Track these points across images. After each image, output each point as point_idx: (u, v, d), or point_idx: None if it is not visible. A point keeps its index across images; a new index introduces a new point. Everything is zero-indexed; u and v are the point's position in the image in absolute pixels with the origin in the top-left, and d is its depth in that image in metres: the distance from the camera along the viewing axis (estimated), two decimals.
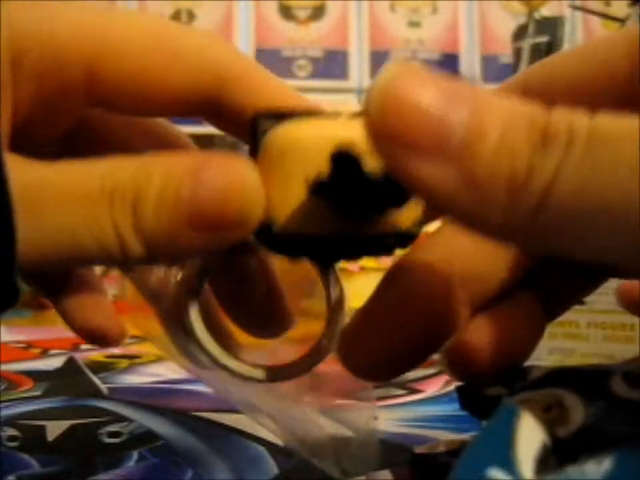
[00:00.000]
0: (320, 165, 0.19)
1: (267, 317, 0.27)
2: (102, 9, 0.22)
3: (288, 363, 0.23)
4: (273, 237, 0.19)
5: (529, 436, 0.16)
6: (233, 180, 0.18)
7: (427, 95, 0.15)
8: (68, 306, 0.33)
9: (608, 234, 0.15)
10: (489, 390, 0.21)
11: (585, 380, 0.18)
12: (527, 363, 0.22)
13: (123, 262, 0.19)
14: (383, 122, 0.15)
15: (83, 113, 0.24)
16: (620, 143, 0.14)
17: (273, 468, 0.29)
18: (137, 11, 0.24)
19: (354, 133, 0.18)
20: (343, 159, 0.18)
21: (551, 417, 0.17)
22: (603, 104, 0.20)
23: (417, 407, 0.39)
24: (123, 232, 0.18)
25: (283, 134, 0.19)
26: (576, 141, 0.15)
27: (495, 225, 0.15)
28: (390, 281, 0.22)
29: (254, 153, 0.20)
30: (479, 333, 0.22)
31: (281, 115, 0.20)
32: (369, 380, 0.23)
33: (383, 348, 0.22)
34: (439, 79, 0.16)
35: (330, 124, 0.19)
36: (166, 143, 0.26)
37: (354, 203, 0.19)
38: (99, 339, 0.33)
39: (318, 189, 0.19)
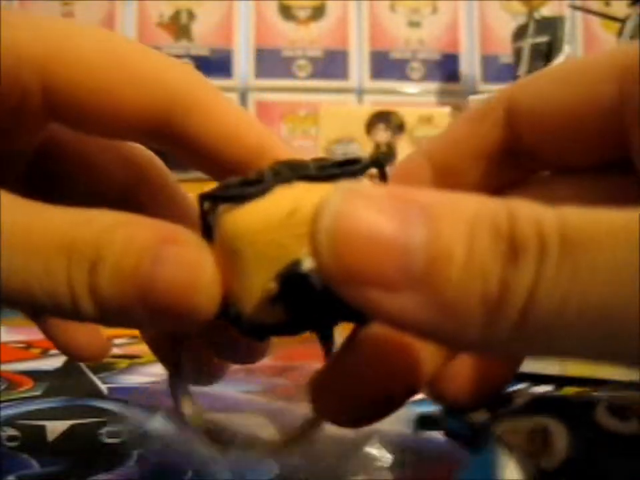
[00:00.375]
0: (276, 259, 0.18)
1: (247, 351, 0.29)
2: (64, 20, 0.22)
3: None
4: (239, 321, 0.19)
5: (514, 472, 0.16)
6: (188, 277, 0.18)
7: (376, 221, 0.14)
8: (50, 326, 0.33)
9: (599, 339, 0.13)
10: (473, 416, 0.20)
11: (570, 409, 0.18)
12: (524, 368, 0.22)
13: (75, 319, 0.19)
14: (335, 262, 0.14)
15: (45, 129, 0.24)
16: (594, 246, 0.13)
17: (273, 468, 0.29)
18: (100, 28, 0.24)
19: (309, 211, 0.16)
20: (291, 280, 0.18)
21: (535, 446, 0.17)
22: (588, 128, 0.20)
23: (417, 407, 0.39)
24: (77, 290, 0.18)
25: (233, 228, 0.18)
26: (548, 249, 0.13)
27: (473, 344, 0.14)
28: (352, 339, 0.21)
29: (206, 234, 0.19)
30: (456, 366, 0.22)
31: (228, 197, 0.18)
32: (339, 425, 0.22)
33: (348, 400, 0.22)
34: (386, 196, 0.14)
35: (282, 204, 0.18)
36: (138, 169, 0.26)
37: (310, 315, 0.19)
38: (81, 357, 0.34)
39: (273, 298, 0.18)
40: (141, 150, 0.26)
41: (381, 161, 0.19)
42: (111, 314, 0.18)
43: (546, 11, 1.26)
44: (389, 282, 0.14)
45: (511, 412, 0.19)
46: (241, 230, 0.18)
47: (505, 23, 1.27)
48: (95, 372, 0.47)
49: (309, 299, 0.18)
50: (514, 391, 0.20)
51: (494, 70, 1.29)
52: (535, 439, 0.17)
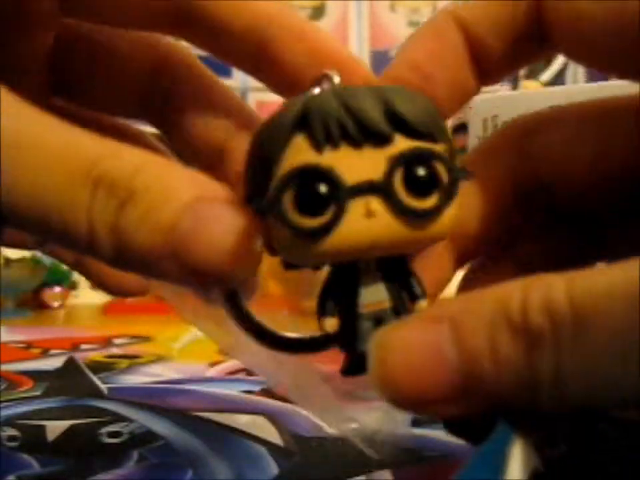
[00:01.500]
0: None
1: None
2: None
3: None
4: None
5: (522, 462, 0.16)
6: (230, 242, 0.17)
7: (412, 355, 0.16)
8: (83, 260, 0.32)
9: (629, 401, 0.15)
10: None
11: None
12: None
13: (86, 253, 0.17)
14: (386, 394, 0.17)
15: (59, 25, 0.23)
16: (599, 313, 0.14)
17: (273, 468, 0.29)
18: None
19: None
20: None
21: (539, 436, 0.17)
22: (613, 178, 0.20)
23: None
24: (97, 226, 0.17)
25: None
26: (563, 333, 0.14)
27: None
28: None
29: None
30: None
31: None
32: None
33: None
34: (416, 322, 0.16)
35: None
36: (162, 54, 0.25)
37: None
38: (121, 292, 0.33)
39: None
40: (163, 37, 0.25)
41: (456, 180, 0.18)
42: (130, 261, 0.17)
43: None
44: (433, 400, 0.16)
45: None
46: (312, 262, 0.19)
47: None
48: (95, 372, 0.47)
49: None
50: None
51: None
52: (536, 432, 0.17)
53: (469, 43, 0.20)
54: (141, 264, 0.17)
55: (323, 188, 0.17)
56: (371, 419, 0.36)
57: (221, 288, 0.19)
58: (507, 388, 0.15)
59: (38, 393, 0.42)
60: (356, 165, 0.17)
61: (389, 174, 0.17)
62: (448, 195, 0.17)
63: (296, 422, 0.36)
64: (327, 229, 0.17)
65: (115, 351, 0.58)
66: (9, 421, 0.35)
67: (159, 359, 0.54)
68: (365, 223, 0.17)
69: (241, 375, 0.48)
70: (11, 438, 0.33)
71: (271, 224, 0.17)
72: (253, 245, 0.17)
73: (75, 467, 0.30)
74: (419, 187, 0.17)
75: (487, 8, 0.21)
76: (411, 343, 0.16)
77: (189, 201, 0.17)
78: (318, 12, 1.29)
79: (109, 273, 0.32)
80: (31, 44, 0.22)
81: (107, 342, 0.62)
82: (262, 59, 0.22)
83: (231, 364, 0.52)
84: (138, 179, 0.17)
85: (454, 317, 0.15)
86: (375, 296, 0.18)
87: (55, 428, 0.34)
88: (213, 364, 0.51)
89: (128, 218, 0.17)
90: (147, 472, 0.29)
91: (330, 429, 0.34)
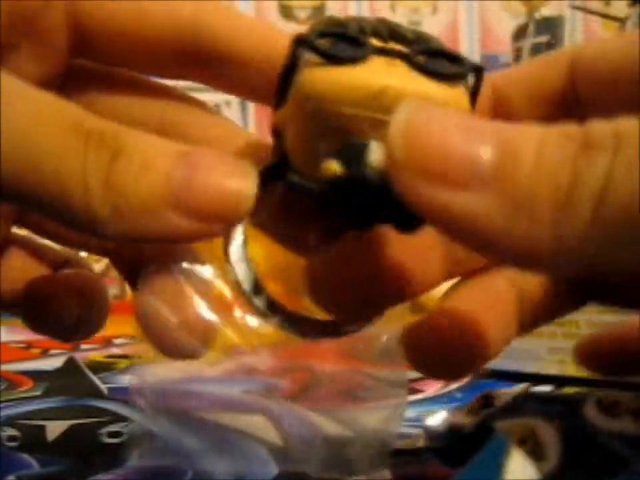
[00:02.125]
0: (345, 135, 0.17)
1: None
2: None
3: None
4: (292, 184, 0.18)
5: (519, 472, 0.16)
6: (229, 181, 0.17)
7: (451, 125, 0.15)
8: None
9: None
10: (452, 420, 0.20)
11: (558, 406, 0.17)
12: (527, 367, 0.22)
13: (83, 220, 0.17)
14: (407, 157, 0.15)
15: (68, 64, 0.23)
16: None
17: (273, 468, 0.29)
18: None
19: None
20: (351, 159, 0.17)
21: (526, 450, 0.16)
22: None
23: (417, 407, 0.39)
24: (91, 181, 0.17)
25: (316, 87, 0.17)
26: (624, 141, 0.14)
27: (542, 252, 0.14)
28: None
29: (284, 81, 0.19)
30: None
31: (323, 52, 0.17)
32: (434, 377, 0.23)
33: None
34: (457, 112, 0.16)
35: (374, 80, 0.17)
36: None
37: (357, 208, 0.18)
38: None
39: (328, 175, 0.18)
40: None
41: (481, 69, 0.19)
42: (128, 219, 0.17)
43: (546, 11, 1.26)
44: (458, 180, 0.14)
45: (496, 414, 0.18)
46: (322, 92, 0.17)
47: (505, 23, 1.27)
48: (95, 372, 0.47)
49: (363, 190, 0.17)
50: (490, 392, 0.19)
51: (494, 70, 1.29)
52: (525, 444, 0.16)
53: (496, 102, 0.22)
54: (139, 221, 0.17)
55: (351, 40, 0.18)
56: (371, 419, 0.36)
57: (226, 233, 0.19)
58: (534, 193, 0.14)
59: (38, 393, 0.42)
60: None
61: (414, 53, 0.18)
62: (465, 73, 0.18)
63: (296, 422, 0.35)
64: (353, 59, 0.17)
65: (114, 350, 0.58)
66: (9, 421, 0.35)
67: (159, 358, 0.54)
68: (386, 67, 0.17)
69: (241, 375, 0.48)
70: (11, 438, 0.33)
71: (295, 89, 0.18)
72: (250, 183, 0.18)
73: (75, 467, 0.30)
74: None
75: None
76: (448, 127, 0.15)
77: (177, 152, 0.17)
78: (318, 12, 1.29)
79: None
80: (41, 62, 0.22)
81: (107, 342, 0.62)
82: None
83: (231, 364, 0.52)
84: (124, 134, 0.17)
85: (495, 125, 0.15)
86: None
87: (54, 428, 0.34)
88: (212, 364, 0.51)
89: (121, 171, 0.17)
90: (146, 472, 0.29)
91: (330, 429, 0.34)
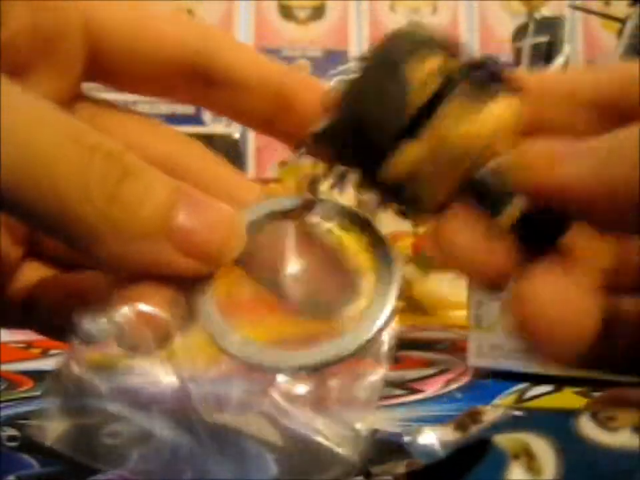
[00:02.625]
0: (470, 162, 0.19)
1: None
2: None
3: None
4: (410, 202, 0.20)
5: None
6: (224, 227, 0.18)
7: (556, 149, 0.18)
8: None
9: None
10: (443, 436, 0.19)
11: (551, 421, 0.17)
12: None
13: (79, 233, 0.17)
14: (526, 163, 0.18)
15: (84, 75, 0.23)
16: None
17: (273, 468, 0.29)
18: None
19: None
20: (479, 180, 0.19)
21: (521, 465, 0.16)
22: None
23: (417, 407, 0.39)
24: (94, 194, 0.17)
25: (467, 128, 0.19)
26: None
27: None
28: None
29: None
30: None
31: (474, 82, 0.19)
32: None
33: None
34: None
35: (503, 115, 0.19)
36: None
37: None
38: None
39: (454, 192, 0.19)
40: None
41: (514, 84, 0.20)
42: (127, 237, 0.17)
43: (546, 11, 1.26)
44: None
45: (484, 430, 0.17)
46: (474, 132, 0.19)
47: (505, 23, 1.27)
48: (95, 372, 0.47)
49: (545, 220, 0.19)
50: (477, 408, 0.19)
51: None
52: (518, 459, 0.16)
53: None
54: (136, 245, 0.17)
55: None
56: (371, 419, 0.36)
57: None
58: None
59: (38, 393, 0.42)
60: None
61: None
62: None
63: (296, 422, 0.35)
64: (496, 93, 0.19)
65: (115, 350, 0.58)
66: (9, 421, 0.35)
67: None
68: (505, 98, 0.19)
69: (241, 375, 0.48)
70: (11, 438, 0.33)
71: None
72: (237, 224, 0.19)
73: (75, 466, 0.30)
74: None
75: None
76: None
77: (178, 186, 0.18)
78: (318, 12, 1.29)
79: None
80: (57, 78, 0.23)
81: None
82: (278, 110, 0.23)
83: (231, 364, 0.52)
84: (130, 157, 0.17)
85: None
86: None
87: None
88: (213, 364, 0.51)
89: (129, 190, 0.17)
90: (146, 472, 0.29)
91: (330, 429, 0.34)
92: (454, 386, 0.44)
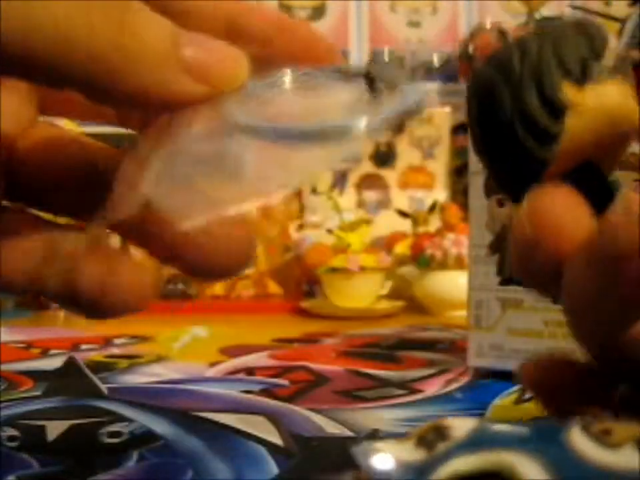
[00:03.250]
0: None
1: None
2: None
3: None
4: None
5: None
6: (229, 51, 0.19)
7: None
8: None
9: None
10: (402, 450, 0.15)
11: (536, 436, 0.14)
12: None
13: (92, 72, 0.18)
14: None
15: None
16: None
17: (273, 468, 0.29)
18: None
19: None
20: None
21: None
22: None
23: (417, 407, 0.39)
24: (97, 22, 0.17)
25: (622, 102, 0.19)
26: None
27: None
28: None
29: None
30: None
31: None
32: None
33: None
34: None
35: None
36: None
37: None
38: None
39: None
40: None
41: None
42: (142, 62, 0.18)
43: (546, 11, 1.26)
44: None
45: (457, 447, 0.14)
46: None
47: (505, 23, 1.27)
48: (95, 372, 0.47)
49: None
50: (443, 422, 0.15)
51: None
52: None
53: None
54: (150, 71, 0.18)
55: None
56: (371, 419, 0.36)
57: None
58: None
59: (38, 393, 0.42)
60: None
61: None
62: None
63: (296, 422, 0.36)
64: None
65: (114, 351, 0.58)
66: (9, 421, 0.35)
67: (159, 359, 0.54)
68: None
69: (240, 375, 0.48)
70: (11, 438, 0.33)
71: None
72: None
73: (75, 467, 0.30)
74: None
75: None
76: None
77: (176, 27, 0.18)
78: (318, 12, 1.29)
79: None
80: None
81: (106, 342, 0.62)
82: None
83: (231, 364, 0.52)
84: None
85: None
86: None
87: (54, 428, 0.34)
88: (213, 364, 0.51)
89: (132, 20, 0.17)
90: (146, 472, 0.29)
91: (330, 429, 0.34)
92: (454, 386, 0.44)
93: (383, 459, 0.15)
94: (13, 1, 0.17)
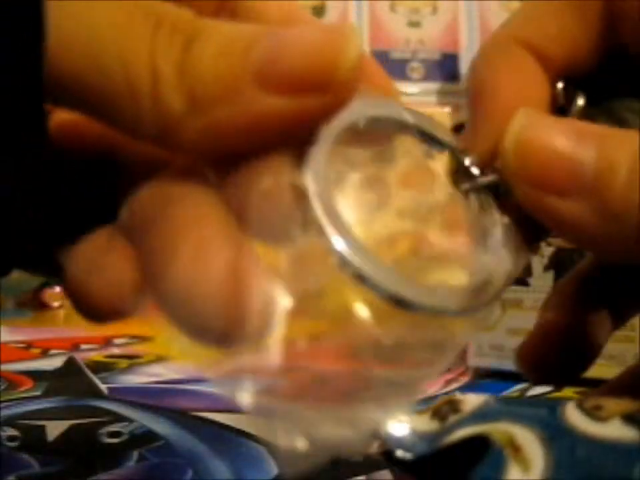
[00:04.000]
0: None
1: None
2: None
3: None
4: None
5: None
6: (327, 40, 0.15)
7: (556, 138, 0.17)
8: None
9: None
10: (419, 425, 0.17)
11: (535, 410, 0.16)
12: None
13: (153, 115, 0.15)
14: (519, 166, 0.17)
15: None
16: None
17: (273, 468, 0.29)
18: None
19: None
20: None
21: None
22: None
23: (417, 407, 0.39)
24: (161, 67, 0.15)
25: None
26: None
27: (629, 249, 0.16)
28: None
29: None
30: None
31: None
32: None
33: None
34: (564, 122, 0.17)
35: None
36: None
37: None
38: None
39: None
40: None
41: None
42: (207, 104, 0.15)
43: None
44: (562, 188, 0.16)
45: (465, 420, 0.16)
46: None
47: None
48: (95, 372, 0.47)
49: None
50: (456, 397, 0.17)
51: None
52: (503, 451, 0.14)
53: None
54: (220, 108, 0.15)
55: None
56: (371, 418, 0.36)
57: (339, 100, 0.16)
58: (625, 205, 0.16)
59: (38, 393, 0.42)
60: None
61: None
62: None
63: (296, 422, 0.35)
64: None
65: (115, 351, 0.58)
66: (9, 421, 0.35)
67: (158, 359, 0.54)
68: None
69: (240, 375, 0.48)
70: (11, 438, 0.33)
71: None
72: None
73: (75, 467, 0.30)
74: None
75: (558, 27, 0.20)
76: (554, 138, 0.16)
77: (258, 28, 0.15)
78: (318, 12, 1.29)
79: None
80: None
81: (106, 342, 0.62)
82: None
83: (231, 364, 0.52)
84: (199, 21, 0.15)
85: (601, 133, 0.17)
86: None
87: (54, 428, 0.34)
88: (212, 364, 0.51)
89: (198, 56, 0.15)
90: (146, 472, 0.29)
91: (330, 429, 0.34)
92: (454, 386, 0.44)
93: (400, 427, 0.17)
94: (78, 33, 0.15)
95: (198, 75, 0.15)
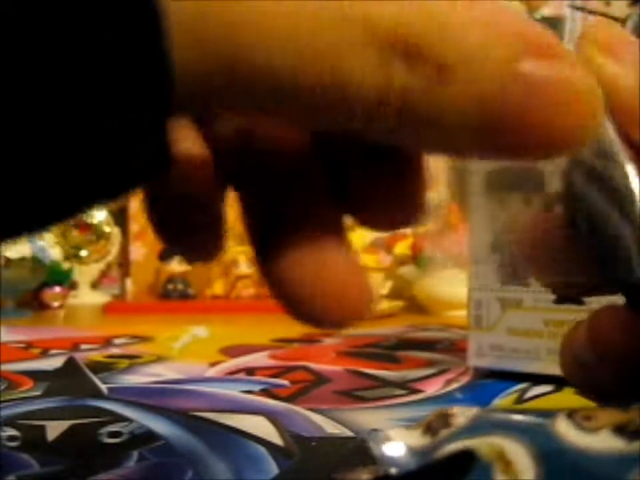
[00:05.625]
0: None
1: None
2: None
3: None
4: None
5: None
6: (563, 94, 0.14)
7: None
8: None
9: None
10: (411, 437, 0.17)
11: (525, 423, 0.15)
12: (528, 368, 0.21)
13: (366, 112, 0.14)
14: None
15: None
16: None
17: (273, 468, 0.29)
18: None
19: None
20: None
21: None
22: None
23: (417, 407, 0.39)
24: (392, 97, 0.14)
25: None
26: None
27: None
28: None
29: None
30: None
31: None
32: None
33: None
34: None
35: None
36: None
37: None
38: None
39: None
40: None
41: None
42: (415, 121, 0.14)
43: (546, 10, 1.26)
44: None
45: (455, 434, 0.16)
46: None
47: None
48: (95, 372, 0.47)
49: None
50: (447, 410, 0.17)
51: None
52: (493, 468, 0.15)
53: None
54: (448, 138, 0.15)
55: None
56: (371, 419, 0.36)
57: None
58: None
59: (38, 393, 0.42)
60: None
61: None
62: None
63: (296, 422, 0.36)
64: None
65: (114, 351, 0.58)
66: (9, 421, 0.35)
67: (158, 358, 0.54)
68: None
69: (241, 375, 0.48)
70: (11, 438, 0.33)
71: None
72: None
73: (75, 467, 0.30)
74: None
75: None
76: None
77: (512, 62, 0.14)
78: None
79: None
80: None
81: (106, 342, 0.62)
82: None
83: (231, 364, 0.52)
84: (445, 45, 0.14)
85: None
86: None
87: (54, 428, 0.34)
88: (213, 364, 0.51)
89: (446, 83, 0.14)
90: (146, 472, 0.29)
91: (330, 429, 0.34)
92: (454, 386, 0.44)
93: (394, 446, 0.17)
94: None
95: (440, 107, 0.14)
